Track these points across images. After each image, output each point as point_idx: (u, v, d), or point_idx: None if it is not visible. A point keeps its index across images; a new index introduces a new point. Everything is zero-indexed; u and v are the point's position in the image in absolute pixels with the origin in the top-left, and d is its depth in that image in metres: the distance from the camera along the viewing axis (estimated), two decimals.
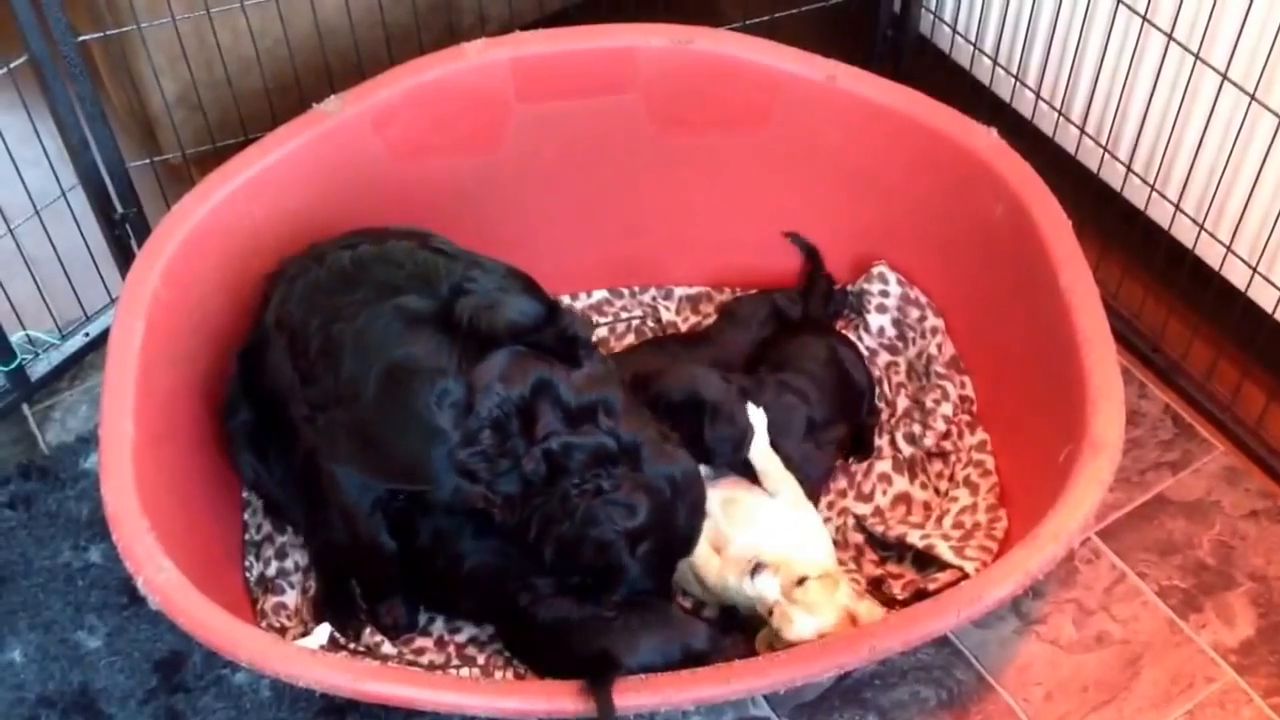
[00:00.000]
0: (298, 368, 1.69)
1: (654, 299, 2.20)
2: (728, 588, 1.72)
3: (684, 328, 2.18)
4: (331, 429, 1.66)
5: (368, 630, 1.78)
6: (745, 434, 1.77)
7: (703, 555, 1.73)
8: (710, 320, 2.18)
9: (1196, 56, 1.90)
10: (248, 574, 1.87)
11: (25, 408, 2.12)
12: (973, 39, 2.30)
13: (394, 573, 1.76)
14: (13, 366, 2.08)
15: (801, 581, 1.65)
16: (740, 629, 1.75)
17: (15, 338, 2.09)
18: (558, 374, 1.58)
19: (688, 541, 1.65)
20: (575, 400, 1.57)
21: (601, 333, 2.17)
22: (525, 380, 1.56)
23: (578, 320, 1.68)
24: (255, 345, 1.78)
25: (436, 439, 1.56)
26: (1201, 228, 2.01)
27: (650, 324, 2.18)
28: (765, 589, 1.66)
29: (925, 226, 2.06)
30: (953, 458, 1.97)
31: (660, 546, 1.61)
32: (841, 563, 1.84)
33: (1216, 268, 2.02)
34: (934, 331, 2.08)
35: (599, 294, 2.20)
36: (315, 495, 1.75)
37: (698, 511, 1.65)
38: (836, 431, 1.92)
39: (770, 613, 1.66)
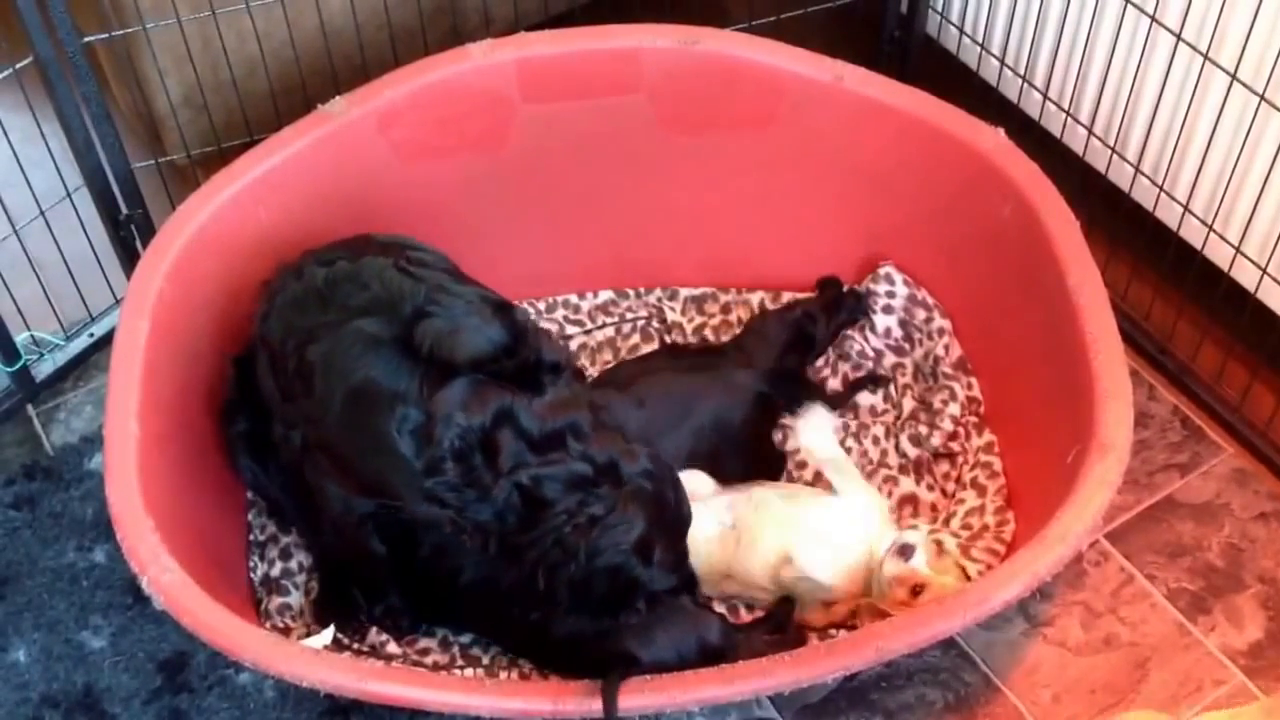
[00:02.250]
0: (278, 385, 1.69)
1: (659, 300, 2.20)
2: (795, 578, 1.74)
3: (689, 329, 2.17)
4: (306, 446, 1.66)
5: (372, 631, 1.78)
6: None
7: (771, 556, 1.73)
8: (716, 320, 2.17)
9: (1205, 57, 1.89)
10: (252, 574, 1.87)
11: (30, 408, 2.12)
12: (980, 39, 2.29)
13: (387, 575, 1.75)
14: (17, 367, 2.08)
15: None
16: (787, 621, 1.76)
17: (20, 338, 2.09)
18: (519, 403, 1.55)
19: (683, 520, 1.64)
20: (539, 428, 1.55)
21: (608, 333, 2.16)
22: (485, 410, 1.54)
23: (546, 345, 1.66)
24: (248, 355, 1.79)
25: (399, 465, 1.55)
26: (1210, 229, 2.00)
27: (655, 325, 2.17)
28: (917, 564, 1.69)
29: (932, 227, 2.06)
30: (960, 459, 1.96)
31: (668, 541, 1.60)
32: None
33: (1225, 269, 2.01)
34: (941, 332, 2.07)
35: (605, 294, 2.20)
36: (307, 503, 1.75)
37: (678, 487, 1.64)
38: None
39: (915, 589, 1.67)
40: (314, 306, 1.66)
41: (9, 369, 2.08)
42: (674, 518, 1.62)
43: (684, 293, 2.20)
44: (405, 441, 1.54)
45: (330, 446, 1.63)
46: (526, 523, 1.54)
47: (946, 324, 2.08)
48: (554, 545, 1.53)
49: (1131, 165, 2.09)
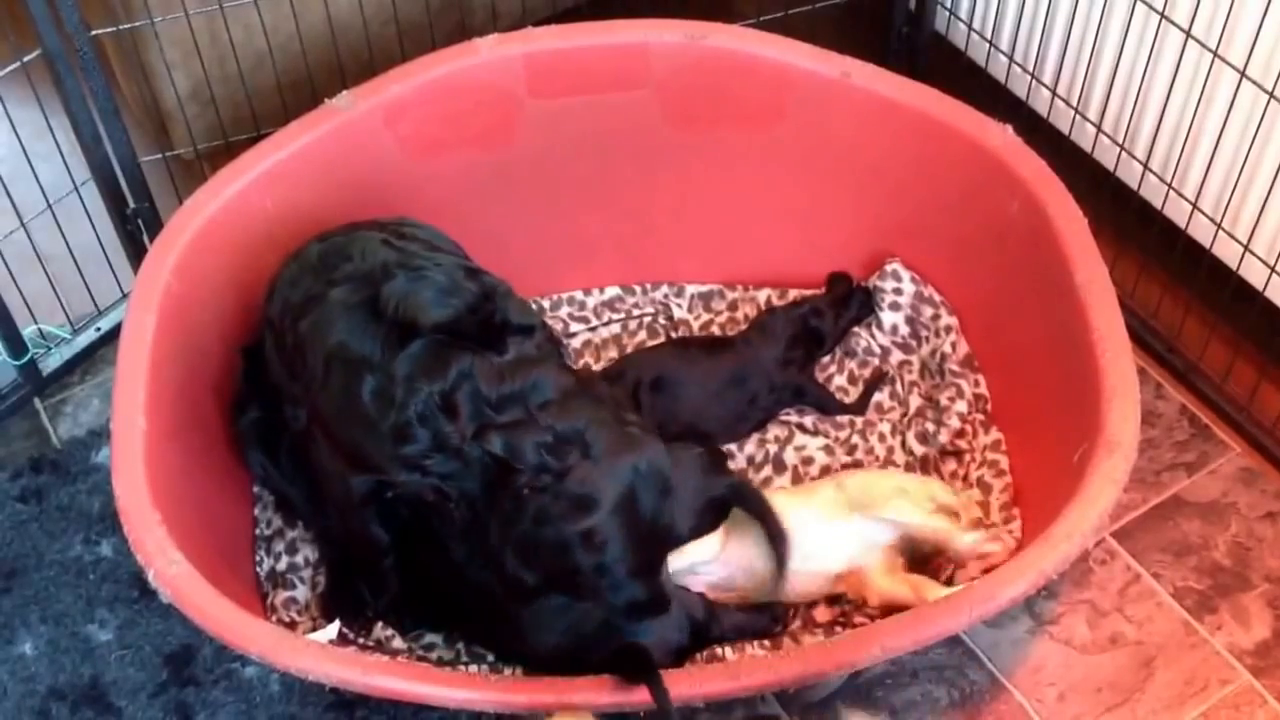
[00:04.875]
0: (283, 363, 1.70)
1: (666, 296, 2.20)
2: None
3: (696, 325, 2.17)
4: (309, 423, 1.66)
5: (378, 625, 1.78)
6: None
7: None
8: (723, 317, 2.17)
9: (1215, 54, 1.88)
10: (258, 568, 1.87)
11: (37, 401, 2.12)
12: (989, 36, 2.29)
13: (390, 566, 1.75)
14: (24, 360, 2.09)
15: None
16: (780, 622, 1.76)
17: (27, 332, 2.10)
18: (479, 365, 1.52)
19: (664, 532, 1.54)
20: (496, 391, 1.51)
21: (614, 330, 2.16)
22: (446, 372, 1.52)
23: (516, 308, 1.62)
24: (259, 342, 1.79)
25: (371, 430, 1.55)
26: (1219, 226, 1.99)
27: (662, 321, 2.17)
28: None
29: (939, 224, 2.05)
30: (967, 457, 1.96)
31: (635, 543, 1.49)
32: None
33: (1234, 267, 2.00)
34: (948, 330, 2.07)
35: (611, 291, 2.20)
36: (314, 491, 1.76)
37: (666, 496, 1.53)
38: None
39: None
40: (307, 282, 1.66)
41: (16, 362, 2.08)
42: (645, 524, 1.51)
43: (690, 289, 2.20)
44: (373, 406, 1.54)
45: (320, 417, 1.63)
46: (499, 484, 1.50)
47: (953, 321, 2.08)
48: (510, 501, 1.48)
49: (1140, 162, 2.08)
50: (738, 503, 1.71)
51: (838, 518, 1.75)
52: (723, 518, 1.72)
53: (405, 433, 1.53)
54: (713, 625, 1.68)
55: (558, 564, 1.49)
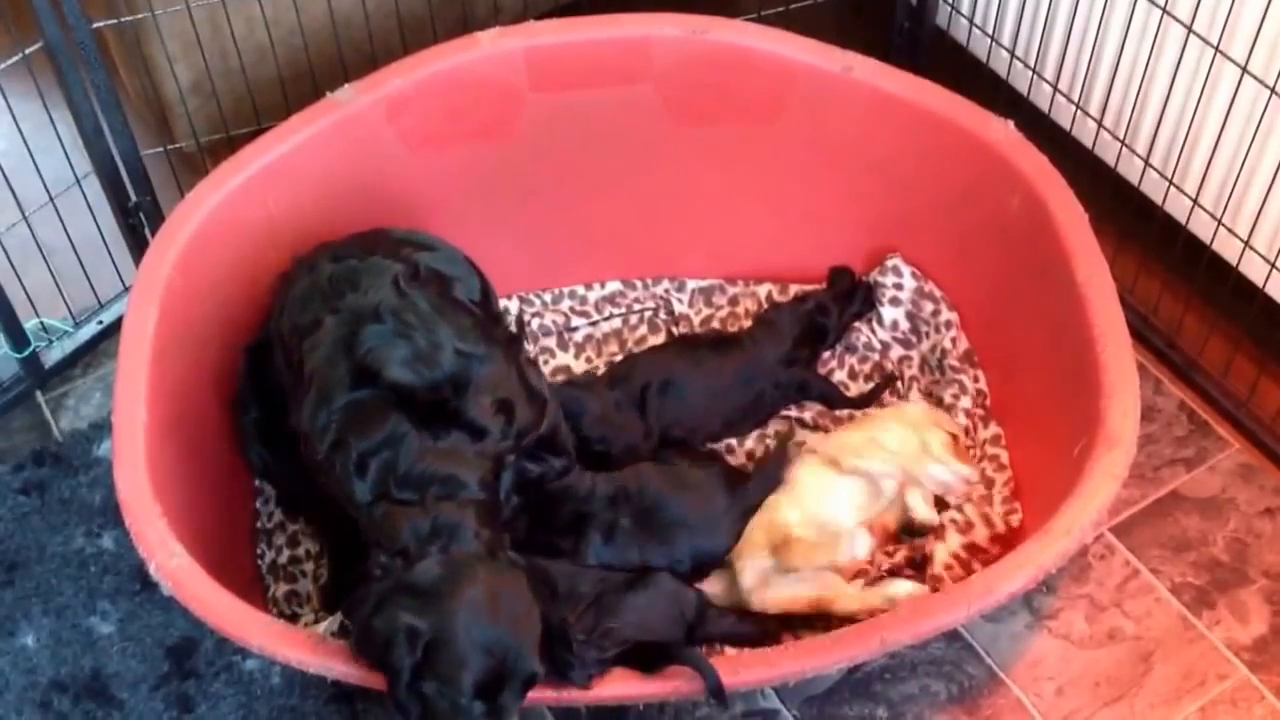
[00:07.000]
0: (291, 379, 1.70)
1: (667, 291, 2.20)
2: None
3: (697, 320, 2.17)
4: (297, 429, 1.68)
5: None
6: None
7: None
8: (724, 312, 2.18)
9: (1216, 49, 1.88)
10: (260, 561, 1.88)
11: (39, 395, 2.13)
12: (990, 32, 2.29)
13: None
14: (26, 354, 2.09)
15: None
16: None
17: (29, 325, 2.10)
18: (411, 438, 1.51)
19: (512, 660, 1.40)
20: (409, 467, 1.50)
21: (615, 324, 2.16)
22: (375, 432, 1.52)
23: (476, 405, 1.55)
24: (263, 344, 1.80)
25: (317, 461, 1.58)
26: (1220, 223, 1.99)
27: (663, 316, 2.17)
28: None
29: (940, 219, 2.05)
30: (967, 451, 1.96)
31: (479, 657, 1.38)
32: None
33: (1234, 263, 2.00)
34: (948, 325, 2.07)
35: (612, 285, 2.20)
36: (317, 483, 1.76)
37: (520, 626, 1.42)
38: None
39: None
40: (316, 303, 1.66)
41: (18, 355, 2.09)
42: (501, 656, 1.40)
43: (691, 284, 2.20)
44: (318, 436, 1.56)
45: (301, 428, 1.64)
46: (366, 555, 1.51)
47: (954, 316, 2.08)
48: (363, 582, 1.47)
49: (1141, 158, 2.08)
50: (764, 495, 1.77)
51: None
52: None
53: (330, 473, 1.56)
54: (696, 629, 1.68)
55: (381, 661, 1.41)
